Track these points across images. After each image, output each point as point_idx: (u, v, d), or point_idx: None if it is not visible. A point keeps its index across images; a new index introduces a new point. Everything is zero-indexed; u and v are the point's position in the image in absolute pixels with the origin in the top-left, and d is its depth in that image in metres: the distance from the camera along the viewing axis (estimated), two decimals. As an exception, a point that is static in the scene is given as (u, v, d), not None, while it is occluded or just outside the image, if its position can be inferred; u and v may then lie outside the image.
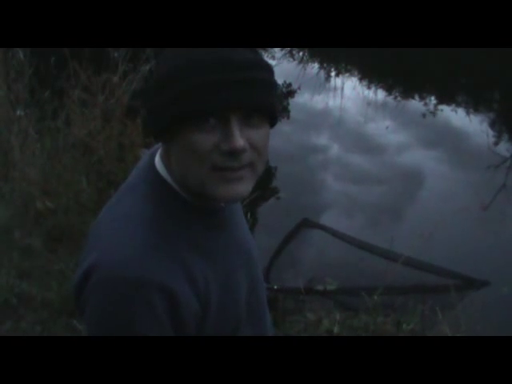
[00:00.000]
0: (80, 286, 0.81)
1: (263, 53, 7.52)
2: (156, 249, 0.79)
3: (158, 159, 0.89)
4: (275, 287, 2.79)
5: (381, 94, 6.78)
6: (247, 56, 0.79)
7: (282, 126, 5.69)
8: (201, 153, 0.79)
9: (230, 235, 0.94)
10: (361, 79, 7.40)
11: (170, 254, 0.80)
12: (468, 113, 6.27)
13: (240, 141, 0.78)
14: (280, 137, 5.28)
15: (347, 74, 7.70)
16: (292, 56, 7.99)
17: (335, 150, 5.38)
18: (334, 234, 3.72)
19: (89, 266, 0.80)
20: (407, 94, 6.87)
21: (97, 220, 0.87)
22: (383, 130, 5.75)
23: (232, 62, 0.77)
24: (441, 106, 6.41)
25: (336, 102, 6.50)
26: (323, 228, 3.81)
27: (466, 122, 5.98)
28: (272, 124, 0.87)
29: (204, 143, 0.78)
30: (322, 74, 7.47)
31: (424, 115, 6.09)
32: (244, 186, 0.82)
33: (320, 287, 3.04)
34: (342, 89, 6.88)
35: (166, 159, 0.87)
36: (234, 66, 0.77)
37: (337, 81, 7.30)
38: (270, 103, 0.81)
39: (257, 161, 0.82)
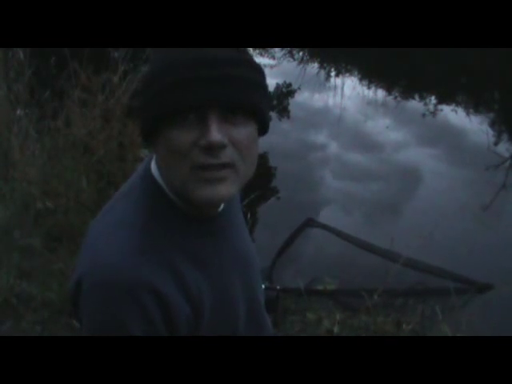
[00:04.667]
0: (74, 295, 0.81)
1: (263, 53, 7.54)
2: (145, 254, 0.79)
3: (153, 164, 0.88)
4: (278, 287, 2.79)
5: (381, 94, 6.78)
6: (229, 54, 0.78)
7: (282, 124, 5.70)
8: (180, 150, 0.78)
9: (226, 242, 0.93)
10: (361, 79, 7.40)
11: (160, 260, 0.80)
12: (468, 113, 6.27)
13: (217, 135, 0.76)
14: (279, 135, 5.29)
15: (347, 74, 7.70)
16: (292, 56, 7.98)
17: (334, 147, 5.38)
18: (338, 234, 3.71)
19: (79, 274, 0.80)
20: (407, 93, 6.87)
21: (91, 225, 0.87)
22: (383, 128, 5.75)
23: (210, 59, 0.77)
24: (441, 106, 6.41)
25: (336, 101, 6.51)
26: (327, 228, 3.81)
27: (466, 122, 5.98)
28: (262, 128, 0.85)
29: (183, 140, 0.78)
30: (322, 73, 7.46)
31: (424, 115, 6.09)
32: (225, 188, 0.79)
33: (320, 287, 3.03)
34: (342, 88, 6.88)
35: (158, 163, 0.87)
36: (211, 64, 0.77)
37: (337, 80, 7.30)
38: (252, 101, 0.80)
39: (239, 162, 0.80)
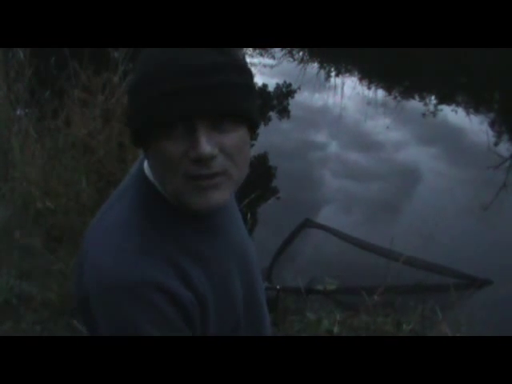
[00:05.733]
0: (82, 305, 0.82)
1: (263, 53, 7.54)
2: (145, 254, 0.79)
3: (147, 165, 0.88)
4: (277, 287, 2.79)
5: (381, 94, 6.79)
6: (214, 59, 0.77)
7: (282, 124, 5.71)
8: (171, 162, 0.77)
9: (223, 239, 0.93)
10: (361, 79, 7.40)
11: (161, 258, 0.80)
12: (468, 113, 6.27)
13: (206, 147, 0.75)
14: (279, 134, 5.30)
15: (347, 74, 7.70)
16: (292, 56, 7.99)
17: (334, 147, 5.39)
18: (335, 234, 3.72)
19: (85, 286, 0.81)
20: (407, 93, 6.87)
21: (90, 227, 0.88)
22: (382, 127, 5.76)
23: (195, 67, 0.75)
24: (441, 106, 6.41)
25: (336, 100, 6.51)
26: (324, 228, 3.81)
27: (466, 122, 5.98)
28: (252, 128, 0.84)
29: (173, 152, 0.77)
30: (322, 73, 7.46)
31: (424, 115, 6.10)
32: (220, 194, 0.79)
33: (320, 287, 3.03)
34: (342, 88, 6.88)
35: (151, 168, 0.86)
36: (196, 72, 0.75)
37: (337, 80, 7.30)
38: (239, 106, 0.78)
39: (231, 168, 0.79)
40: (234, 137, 0.79)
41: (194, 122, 0.76)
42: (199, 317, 0.83)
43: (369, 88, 7.00)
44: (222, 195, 0.80)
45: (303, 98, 6.59)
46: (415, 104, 6.51)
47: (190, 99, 0.75)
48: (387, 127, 5.77)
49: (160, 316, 0.78)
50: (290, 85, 6.69)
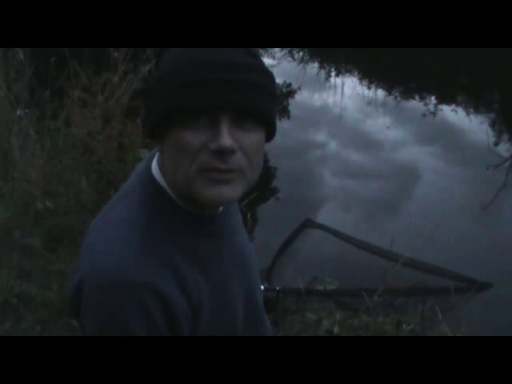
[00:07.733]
0: (75, 296, 0.81)
1: (263, 53, 7.54)
2: (145, 253, 0.79)
3: (154, 164, 0.88)
4: (277, 288, 2.79)
5: (381, 94, 6.79)
6: (246, 59, 0.78)
7: (282, 124, 5.70)
8: (190, 151, 0.78)
9: (225, 242, 0.93)
10: (361, 79, 7.40)
11: (160, 259, 0.80)
12: (468, 113, 6.27)
13: (228, 140, 0.76)
14: (279, 134, 5.27)
15: (347, 74, 7.70)
16: (292, 56, 7.98)
17: (334, 146, 5.39)
18: (335, 234, 3.72)
19: (81, 275, 0.80)
20: (407, 93, 6.87)
21: (91, 225, 0.87)
22: (382, 127, 5.76)
23: (227, 62, 0.77)
24: (441, 106, 6.41)
25: (336, 100, 6.51)
26: (325, 229, 3.81)
27: (466, 121, 5.98)
28: (269, 135, 0.85)
29: (193, 141, 0.78)
30: (322, 73, 7.46)
31: (424, 115, 6.10)
32: (231, 190, 0.80)
33: (320, 287, 3.03)
34: (342, 88, 6.88)
35: (161, 162, 0.86)
36: (227, 67, 0.76)
37: (337, 80, 7.31)
38: (264, 108, 0.80)
39: (247, 168, 0.80)
40: (254, 137, 0.80)
41: (219, 115, 0.77)
42: (190, 322, 0.83)
43: (369, 88, 7.00)
44: (233, 191, 0.80)
45: (303, 97, 6.59)
46: (415, 104, 6.51)
47: (219, 90, 0.76)
48: (387, 127, 5.77)
49: (150, 321, 0.78)
50: (290, 85, 6.68)
